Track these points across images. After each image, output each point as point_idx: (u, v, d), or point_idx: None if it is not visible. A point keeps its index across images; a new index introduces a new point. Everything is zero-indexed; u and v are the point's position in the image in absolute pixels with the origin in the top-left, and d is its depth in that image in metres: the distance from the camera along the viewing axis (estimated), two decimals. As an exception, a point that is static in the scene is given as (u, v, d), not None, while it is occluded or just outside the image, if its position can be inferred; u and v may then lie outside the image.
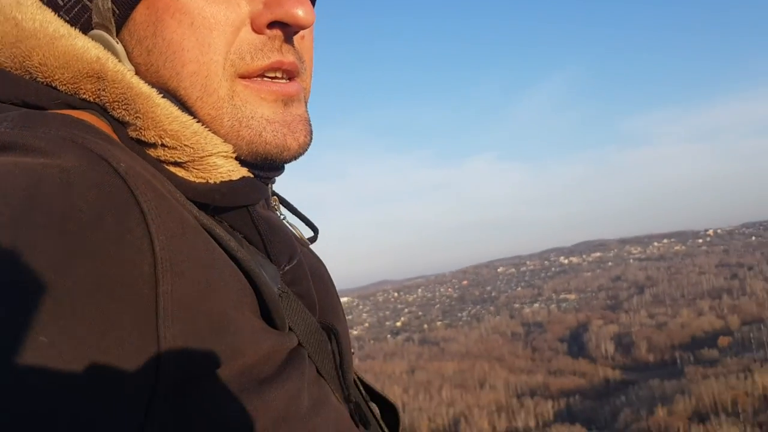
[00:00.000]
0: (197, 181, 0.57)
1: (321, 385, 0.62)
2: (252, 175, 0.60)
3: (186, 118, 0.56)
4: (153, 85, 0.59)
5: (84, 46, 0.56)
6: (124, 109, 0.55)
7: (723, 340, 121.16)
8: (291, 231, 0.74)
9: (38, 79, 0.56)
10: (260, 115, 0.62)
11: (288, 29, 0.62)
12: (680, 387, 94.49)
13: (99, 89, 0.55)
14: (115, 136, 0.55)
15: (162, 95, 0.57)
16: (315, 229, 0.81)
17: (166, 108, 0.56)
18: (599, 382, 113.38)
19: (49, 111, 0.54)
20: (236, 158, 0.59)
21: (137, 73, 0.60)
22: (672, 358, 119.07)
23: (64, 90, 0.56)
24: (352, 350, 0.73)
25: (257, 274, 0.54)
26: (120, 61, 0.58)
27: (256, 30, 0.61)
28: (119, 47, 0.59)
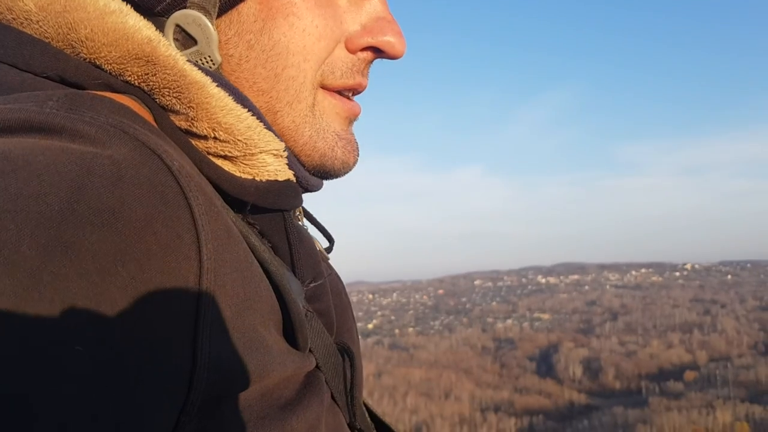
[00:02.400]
0: (244, 176, 0.55)
1: (335, 413, 0.61)
2: (295, 180, 0.59)
3: (240, 111, 0.54)
4: (238, 79, 0.59)
5: (135, 25, 0.53)
6: (175, 97, 0.52)
7: (689, 375, 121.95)
8: (316, 246, 0.72)
9: (81, 54, 0.52)
10: (333, 129, 0.63)
11: (379, 55, 0.64)
12: (643, 417, 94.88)
13: (147, 73, 0.52)
14: (155, 125, 0.53)
15: (217, 84, 0.54)
16: (331, 240, 0.79)
17: (221, 99, 0.54)
18: (564, 404, 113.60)
19: (90, 92, 0.51)
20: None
21: (225, 64, 0.59)
22: (638, 387, 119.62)
23: (108, 69, 0.52)
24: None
25: (287, 290, 0.53)
26: (209, 46, 0.57)
27: (350, 49, 0.62)
28: (214, 33, 0.57)
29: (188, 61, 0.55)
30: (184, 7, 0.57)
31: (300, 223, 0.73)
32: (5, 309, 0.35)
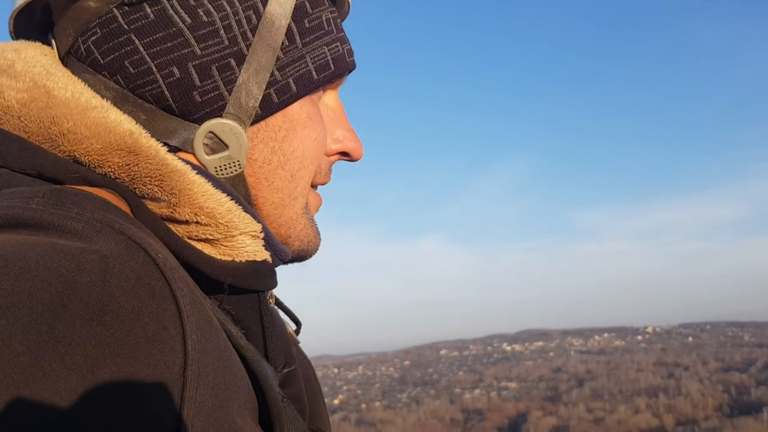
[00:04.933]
0: (224, 258, 0.57)
1: None
2: (271, 260, 0.62)
3: (220, 195, 0.58)
4: (258, 179, 0.66)
5: (117, 119, 0.56)
6: (156, 185, 0.55)
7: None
8: (287, 330, 0.76)
9: (62, 147, 0.55)
10: (313, 219, 0.74)
11: (344, 158, 0.76)
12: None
13: (129, 163, 0.55)
14: (132, 216, 0.55)
15: (199, 174, 0.59)
16: (298, 323, 0.83)
17: (202, 185, 0.57)
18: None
19: (73, 187, 0.54)
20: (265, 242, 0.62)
21: (250, 166, 0.66)
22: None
23: (88, 161, 0.55)
24: None
25: (264, 378, 0.54)
26: (240, 152, 0.64)
27: (327, 154, 0.74)
28: (246, 142, 0.64)
29: (217, 165, 0.64)
30: (220, 116, 0.63)
31: (272, 306, 0.76)
32: None
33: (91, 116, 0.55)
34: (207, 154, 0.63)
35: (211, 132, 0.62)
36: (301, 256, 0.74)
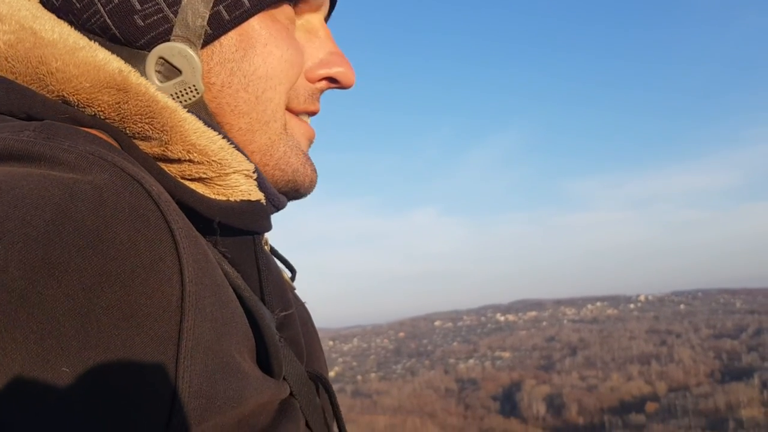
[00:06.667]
0: (218, 197, 0.56)
1: None
2: (265, 201, 0.60)
3: (212, 133, 0.56)
4: (219, 104, 0.63)
5: (105, 58, 0.55)
6: (147, 123, 0.54)
7: (650, 406, 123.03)
8: (283, 275, 0.76)
9: (50, 86, 0.54)
10: (301, 149, 0.69)
11: (332, 85, 0.72)
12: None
13: (119, 101, 0.54)
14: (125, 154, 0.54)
15: (188, 110, 0.57)
16: (293, 270, 0.82)
17: (193, 122, 0.56)
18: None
19: (63, 123, 0.53)
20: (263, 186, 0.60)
21: (207, 92, 0.63)
22: (601, 421, 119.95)
23: (77, 101, 0.54)
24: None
25: (262, 316, 0.54)
26: (194, 75, 0.61)
27: (309, 79, 0.69)
28: (199, 64, 0.61)
29: (172, 93, 0.61)
30: (168, 40, 0.60)
31: (267, 250, 0.75)
32: None
33: (79, 56, 0.54)
34: (161, 81, 0.61)
35: (161, 58, 0.61)
36: (292, 190, 0.69)
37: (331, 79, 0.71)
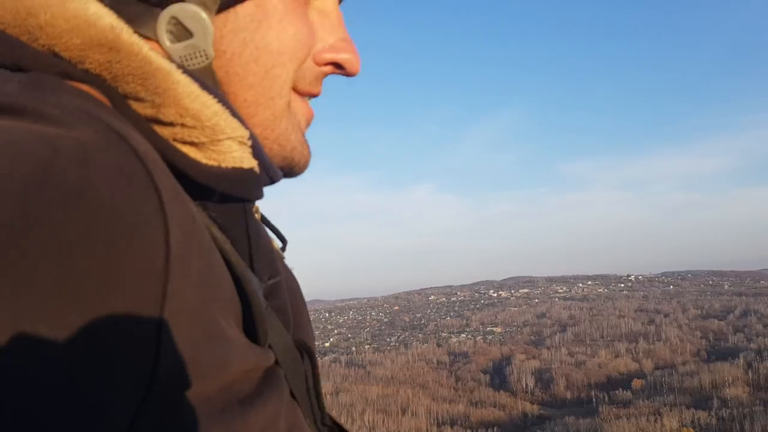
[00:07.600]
0: (209, 163, 0.54)
1: (294, 408, 0.61)
2: (258, 169, 0.58)
3: (206, 97, 0.54)
4: (227, 74, 0.61)
5: (97, 12, 0.51)
6: (139, 84, 0.52)
7: (637, 383, 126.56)
8: (272, 244, 0.75)
9: (40, 41, 0.51)
10: (301, 128, 0.69)
11: (337, 71, 0.70)
12: (594, 426, 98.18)
13: (110, 60, 0.51)
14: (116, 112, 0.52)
15: (192, 76, 0.54)
16: (284, 240, 0.81)
17: (187, 85, 0.53)
18: (518, 415, 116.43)
19: (51, 76, 0.50)
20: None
21: (217, 59, 0.60)
22: (588, 396, 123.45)
23: (68, 57, 0.51)
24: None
25: (249, 282, 0.53)
26: (205, 40, 0.58)
27: (316, 62, 0.68)
28: (211, 28, 0.58)
29: (181, 55, 0.58)
30: (183, 0, 0.57)
31: (258, 218, 0.74)
32: None
33: (70, 8, 0.51)
34: (171, 42, 0.58)
35: (174, 18, 0.57)
36: (287, 167, 0.69)
37: (337, 65, 0.70)
